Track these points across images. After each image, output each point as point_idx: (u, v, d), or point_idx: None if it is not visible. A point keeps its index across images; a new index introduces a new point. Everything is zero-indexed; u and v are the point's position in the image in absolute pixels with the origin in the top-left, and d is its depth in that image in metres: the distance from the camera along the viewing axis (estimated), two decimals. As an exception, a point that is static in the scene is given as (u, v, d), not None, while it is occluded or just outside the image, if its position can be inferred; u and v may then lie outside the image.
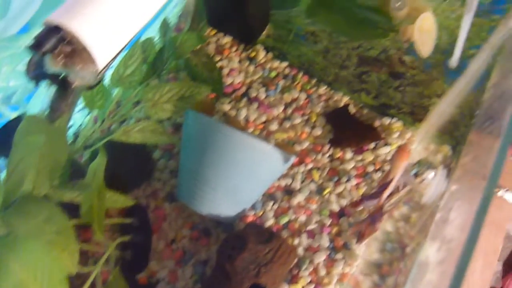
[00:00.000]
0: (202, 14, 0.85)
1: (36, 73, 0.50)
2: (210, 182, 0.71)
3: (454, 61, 0.56)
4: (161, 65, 0.76)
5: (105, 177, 0.66)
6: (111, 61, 0.51)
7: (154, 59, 0.77)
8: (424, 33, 0.63)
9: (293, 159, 0.76)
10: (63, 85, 0.53)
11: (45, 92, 0.67)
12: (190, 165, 0.73)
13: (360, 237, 0.70)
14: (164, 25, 0.78)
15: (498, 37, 0.60)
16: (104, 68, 0.50)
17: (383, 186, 0.64)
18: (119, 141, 0.72)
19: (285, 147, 0.76)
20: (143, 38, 0.79)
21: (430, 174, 0.52)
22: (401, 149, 0.63)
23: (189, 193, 0.73)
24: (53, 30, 0.45)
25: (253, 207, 0.81)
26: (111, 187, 0.79)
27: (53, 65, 0.47)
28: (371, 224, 0.66)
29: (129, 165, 0.80)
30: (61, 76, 0.51)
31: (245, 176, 0.71)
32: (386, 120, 0.89)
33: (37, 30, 0.46)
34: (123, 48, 0.53)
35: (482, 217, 0.37)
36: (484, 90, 0.57)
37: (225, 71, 0.93)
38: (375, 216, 0.65)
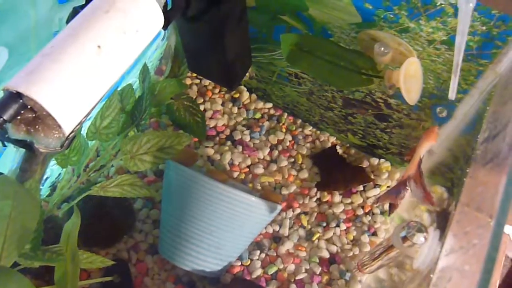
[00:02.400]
0: (183, 57, 0.83)
1: (1, 136, 0.47)
2: (192, 238, 0.67)
3: (452, 93, 0.55)
4: (140, 114, 0.73)
5: (84, 232, 0.62)
6: (82, 120, 0.48)
7: (132, 108, 0.74)
8: (410, 79, 0.61)
9: (280, 209, 0.73)
10: (30, 149, 0.49)
11: (15, 151, 0.64)
12: (172, 220, 0.70)
13: (393, 208, 0.68)
14: (144, 71, 0.76)
15: (486, 82, 0.58)
16: (73, 130, 0.47)
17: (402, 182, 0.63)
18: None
19: (270, 195, 0.73)
20: (123, 84, 0.77)
21: (420, 238, 0.49)
22: (429, 130, 0.61)
23: (171, 249, 0.70)
24: (14, 96, 0.42)
25: (240, 257, 0.77)
26: (91, 243, 0.76)
27: (15, 133, 0.44)
28: (396, 196, 0.65)
29: (109, 218, 0.76)
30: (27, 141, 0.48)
31: (230, 230, 0.68)
32: (374, 161, 0.87)
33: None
34: (97, 103, 0.50)
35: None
36: (478, 133, 0.55)
37: (208, 113, 0.91)
38: (399, 189, 0.64)
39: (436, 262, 0.42)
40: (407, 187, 0.64)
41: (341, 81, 0.67)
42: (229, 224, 0.68)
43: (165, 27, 0.62)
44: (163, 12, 0.58)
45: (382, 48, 0.63)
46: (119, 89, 0.74)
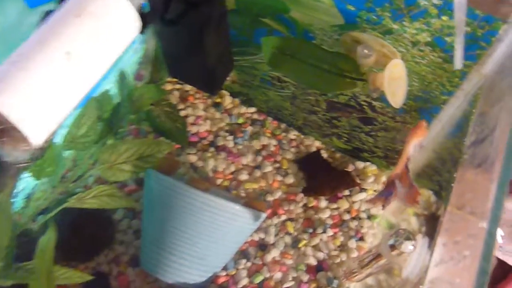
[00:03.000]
0: (163, 61, 0.81)
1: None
2: (175, 250, 0.65)
3: (457, 62, 0.53)
4: (118, 122, 0.71)
5: (62, 246, 0.60)
6: (53, 131, 0.46)
7: (110, 116, 0.72)
8: (394, 82, 0.60)
9: (264, 216, 0.71)
10: (-1, 162, 0.47)
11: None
12: (153, 231, 0.67)
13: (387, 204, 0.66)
14: (121, 77, 0.73)
15: (471, 84, 0.57)
16: (43, 142, 0.44)
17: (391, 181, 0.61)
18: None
19: (255, 203, 0.71)
20: (99, 90, 0.74)
21: (408, 247, 0.48)
22: (416, 126, 0.59)
23: (153, 262, 0.67)
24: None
25: (225, 266, 0.75)
26: (69, 257, 0.73)
27: (-19, 147, 0.42)
28: (386, 198, 0.63)
29: (87, 230, 0.73)
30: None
31: (213, 240, 0.66)
32: (360, 164, 0.86)
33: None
34: (70, 111, 0.48)
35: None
36: (465, 136, 0.54)
37: (190, 119, 0.88)
38: (390, 190, 0.62)
39: (426, 271, 0.41)
40: (395, 187, 0.63)
41: (324, 85, 0.66)
42: (212, 234, 0.65)
43: (142, 31, 0.60)
44: (139, 15, 0.56)
45: (366, 50, 0.61)
46: (95, 96, 0.71)
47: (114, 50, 0.49)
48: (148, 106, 0.77)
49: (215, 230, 0.66)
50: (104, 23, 0.47)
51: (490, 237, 0.31)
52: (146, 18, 0.59)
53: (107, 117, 0.72)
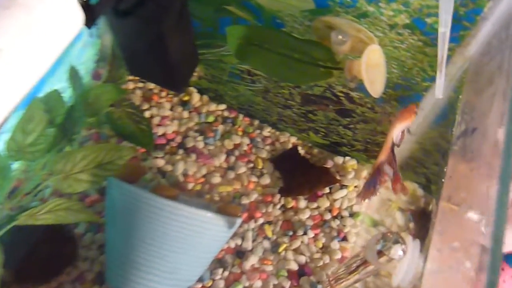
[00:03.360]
0: (122, 58, 0.74)
1: None
2: (142, 265, 0.59)
3: (438, 90, 0.48)
4: (72, 127, 0.64)
5: (16, 267, 0.53)
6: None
7: (64, 120, 0.65)
8: (372, 69, 0.55)
9: (239, 222, 0.66)
10: None
11: None
12: (118, 245, 0.61)
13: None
14: (73, 76, 0.66)
15: (455, 68, 0.53)
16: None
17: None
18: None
19: (228, 208, 0.65)
20: (45, 89, 0.66)
21: (398, 252, 0.43)
22: (405, 109, 0.54)
23: (119, 278, 0.61)
24: None
25: (200, 278, 0.69)
26: (25, 278, 0.66)
27: None
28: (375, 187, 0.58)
29: (45, 248, 0.66)
30: None
31: (184, 251, 0.60)
32: (339, 159, 0.81)
33: None
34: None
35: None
36: (452, 125, 0.50)
37: (156, 120, 0.82)
38: (375, 179, 0.57)
39: (420, 279, 0.36)
40: (384, 173, 0.58)
41: (297, 76, 0.61)
42: (183, 246, 0.60)
43: (89, 24, 0.53)
44: (83, 6, 0.49)
45: (340, 36, 0.56)
46: (40, 96, 0.63)
47: (53, 45, 0.43)
48: (107, 108, 0.70)
49: (186, 241, 0.60)
50: (38, 15, 0.41)
51: (497, 244, 0.26)
52: (94, 9, 0.53)
53: (59, 122, 0.65)
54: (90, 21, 0.52)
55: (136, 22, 0.60)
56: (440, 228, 0.35)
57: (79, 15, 0.46)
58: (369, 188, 0.63)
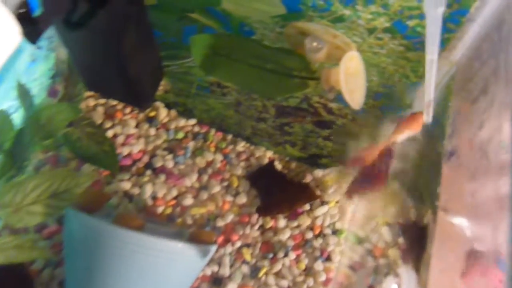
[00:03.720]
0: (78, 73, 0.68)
1: None
2: (105, 305, 0.53)
3: (427, 116, 0.44)
4: (23, 153, 0.57)
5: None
6: None
7: (13, 144, 0.58)
8: (351, 78, 0.51)
9: (214, 250, 0.60)
10: None
11: None
12: (80, 282, 0.55)
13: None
14: (22, 93, 0.60)
15: (440, 73, 0.49)
16: None
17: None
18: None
19: (201, 234, 0.60)
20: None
21: (392, 286, 0.38)
22: (413, 117, 0.49)
23: (80, 321, 0.54)
24: None
25: (174, 311, 0.63)
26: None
27: None
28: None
29: (-4, 289, 0.59)
30: None
31: (154, 287, 0.54)
32: (319, 173, 0.76)
33: None
34: None
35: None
36: (443, 133, 0.46)
37: (120, 139, 0.75)
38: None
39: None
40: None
41: (270, 88, 0.56)
42: (151, 281, 0.54)
43: (33, 38, 0.47)
44: (21, 19, 0.43)
45: (315, 43, 0.51)
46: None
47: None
48: (63, 129, 0.64)
49: (155, 275, 0.54)
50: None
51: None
52: (37, 22, 0.47)
53: (7, 148, 0.58)
54: (33, 35, 0.46)
55: (90, 35, 0.54)
56: (439, 254, 0.31)
57: (12, 31, 0.40)
58: (356, 186, 0.59)
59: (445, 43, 0.47)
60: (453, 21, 0.45)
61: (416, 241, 0.47)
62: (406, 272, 0.39)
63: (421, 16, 0.45)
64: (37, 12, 0.47)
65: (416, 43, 0.48)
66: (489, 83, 0.36)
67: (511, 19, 0.34)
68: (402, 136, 0.50)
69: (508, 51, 0.32)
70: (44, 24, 0.48)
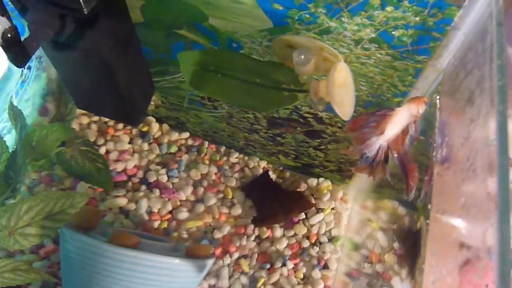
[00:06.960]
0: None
1: None
2: (103, 326, 0.53)
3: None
4: (16, 175, 0.57)
5: None
6: None
7: (6, 168, 0.58)
8: (340, 89, 0.51)
9: (211, 263, 0.60)
10: None
11: None
12: (76, 302, 0.54)
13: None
14: (15, 114, 0.60)
15: (428, 82, 0.49)
16: None
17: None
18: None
19: (198, 248, 0.60)
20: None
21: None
22: (417, 98, 0.45)
23: None
24: None
25: (174, 326, 0.63)
26: None
27: None
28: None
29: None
30: None
31: (151, 304, 0.54)
32: (313, 181, 0.76)
33: None
34: None
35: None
36: (430, 142, 0.46)
37: (113, 155, 0.75)
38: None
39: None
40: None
41: (260, 103, 0.56)
42: (149, 298, 0.53)
43: (20, 62, 0.47)
44: (6, 46, 0.43)
45: (302, 56, 0.52)
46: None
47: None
48: (55, 150, 0.64)
49: (152, 292, 0.54)
50: None
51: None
52: (25, 45, 0.47)
53: (1, 171, 0.58)
54: (21, 59, 0.46)
55: (78, 54, 0.54)
56: (434, 263, 0.31)
57: (2, 56, 0.40)
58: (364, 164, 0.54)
59: (431, 51, 0.48)
60: (438, 30, 0.45)
61: (411, 245, 0.48)
62: (400, 283, 0.39)
63: (406, 26, 0.46)
64: (24, 35, 0.48)
65: (403, 52, 0.49)
66: (474, 95, 0.36)
67: (493, 29, 0.35)
68: (410, 109, 0.45)
69: (492, 63, 0.32)
70: (31, 47, 0.48)
